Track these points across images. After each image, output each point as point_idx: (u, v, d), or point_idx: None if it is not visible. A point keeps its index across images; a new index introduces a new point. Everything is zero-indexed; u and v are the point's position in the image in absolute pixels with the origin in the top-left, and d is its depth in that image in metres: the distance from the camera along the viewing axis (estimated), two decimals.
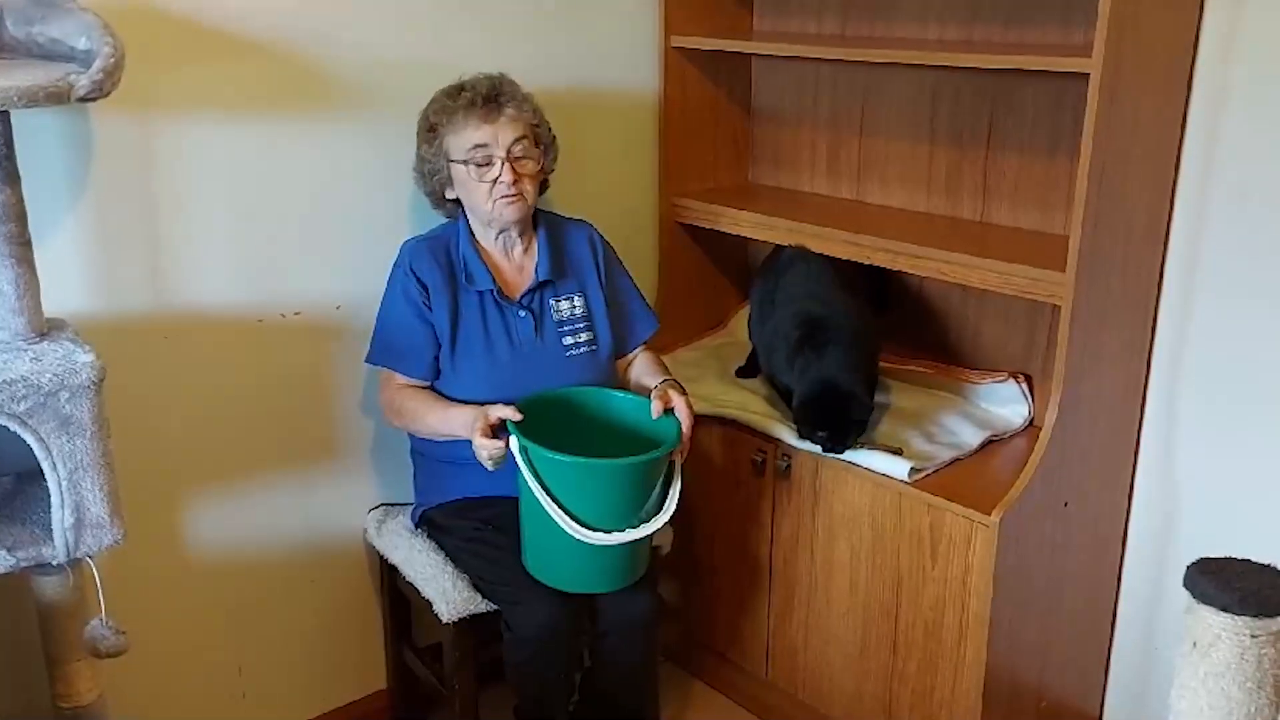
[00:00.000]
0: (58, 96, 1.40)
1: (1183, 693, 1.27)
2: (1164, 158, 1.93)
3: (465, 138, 1.94)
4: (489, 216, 1.98)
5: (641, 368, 2.15)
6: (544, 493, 1.79)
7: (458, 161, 1.95)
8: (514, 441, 1.82)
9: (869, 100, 2.39)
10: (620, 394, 2.02)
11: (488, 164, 1.94)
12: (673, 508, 1.87)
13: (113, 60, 1.44)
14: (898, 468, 2.00)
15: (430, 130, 1.99)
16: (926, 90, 2.27)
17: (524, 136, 1.95)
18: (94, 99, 1.43)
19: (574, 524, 1.78)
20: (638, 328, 2.18)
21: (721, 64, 2.53)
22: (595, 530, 1.79)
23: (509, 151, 1.93)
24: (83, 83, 1.42)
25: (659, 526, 1.85)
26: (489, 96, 1.94)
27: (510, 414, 1.85)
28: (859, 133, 2.42)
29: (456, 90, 1.97)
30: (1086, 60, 1.71)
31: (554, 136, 2.06)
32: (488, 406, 1.88)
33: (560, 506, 1.79)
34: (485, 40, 2.19)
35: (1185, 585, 1.26)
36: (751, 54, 2.53)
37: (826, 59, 2.37)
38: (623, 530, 1.81)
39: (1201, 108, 1.90)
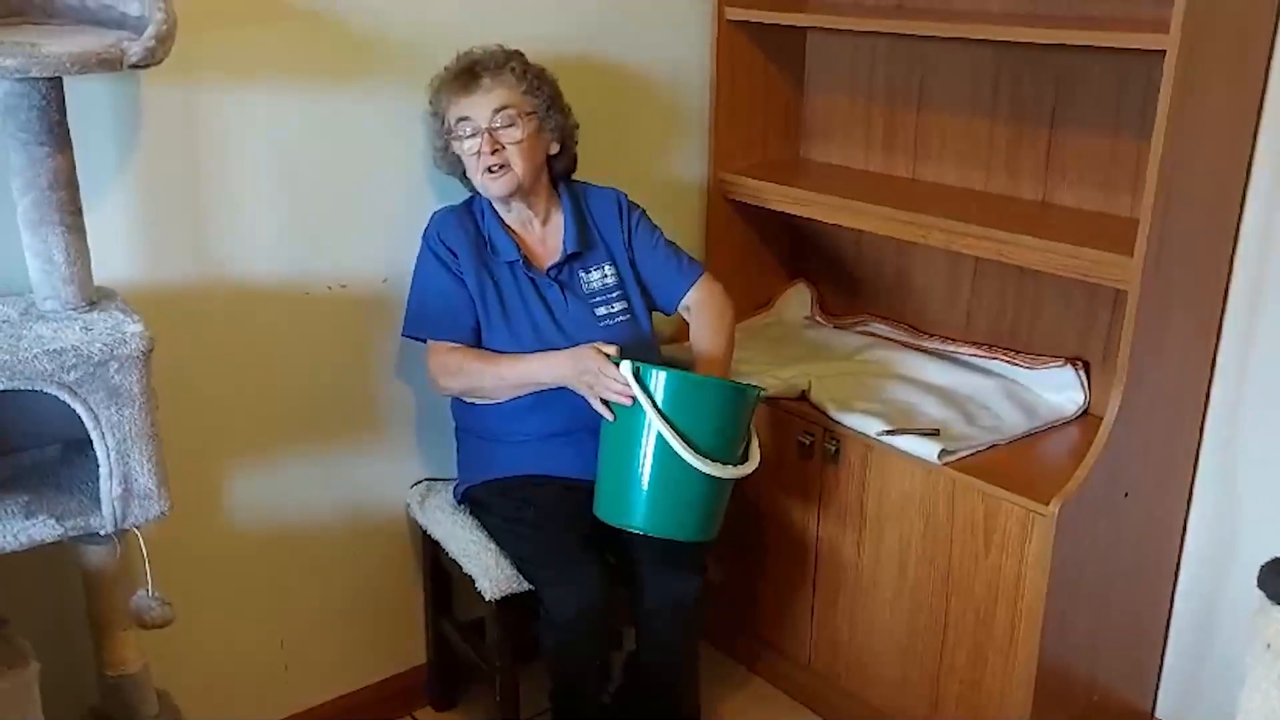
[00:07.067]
0: (110, 63, 1.39)
1: (1253, 694, 1.22)
2: (1240, 138, 1.86)
3: (450, 113, 1.94)
4: (483, 190, 1.97)
5: (700, 329, 2.09)
6: (658, 416, 1.78)
7: (451, 137, 1.94)
8: (625, 366, 1.81)
9: (927, 75, 2.32)
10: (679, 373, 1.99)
11: (472, 136, 1.92)
12: (758, 455, 1.89)
13: (165, 27, 1.43)
14: (927, 449, 1.96)
15: (434, 108, 1.99)
16: (987, 64, 2.20)
17: (506, 107, 1.91)
18: (146, 66, 1.42)
19: (688, 449, 1.77)
20: (677, 279, 2.11)
21: (775, 37, 2.47)
22: (708, 460, 1.78)
23: (490, 123, 1.91)
24: (135, 49, 1.40)
25: (753, 468, 1.87)
26: (466, 68, 1.93)
27: (610, 349, 1.84)
28: (916, 108, 2.35)
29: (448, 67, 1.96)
30: (1163, 36, 1.64)
31: (563, 105, 2.00)
32: (585, 345, 1.88)
33: (674, 430, 1.78)
34: (537, 9, 2.14)
35: (1259, 585, 1.21)
36: (807, 27, 2.47)
37: (884, 32, 2.30)
38: (725, 465, 1.81)
39: None
